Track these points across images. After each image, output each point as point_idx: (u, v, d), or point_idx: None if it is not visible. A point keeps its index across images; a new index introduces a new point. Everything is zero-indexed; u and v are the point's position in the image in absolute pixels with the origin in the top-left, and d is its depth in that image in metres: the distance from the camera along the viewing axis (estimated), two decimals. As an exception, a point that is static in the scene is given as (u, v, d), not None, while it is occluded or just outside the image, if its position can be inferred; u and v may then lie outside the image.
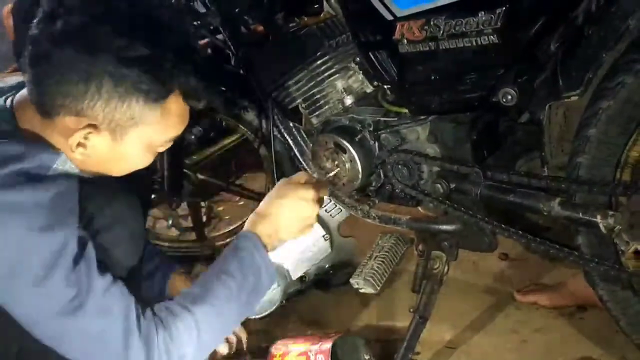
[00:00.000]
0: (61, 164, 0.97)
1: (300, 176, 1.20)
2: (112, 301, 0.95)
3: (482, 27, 1.10)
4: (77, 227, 0.94)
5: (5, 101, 1.01)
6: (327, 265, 1.54)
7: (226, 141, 1.99)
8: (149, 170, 1.19)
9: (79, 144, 0.97)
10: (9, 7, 4.01)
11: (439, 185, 1.34)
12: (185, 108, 1.02)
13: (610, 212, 1.12)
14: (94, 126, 0.95)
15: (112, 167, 1.03)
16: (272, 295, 1.41)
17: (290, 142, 1.59)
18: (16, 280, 0.89)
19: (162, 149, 1.06)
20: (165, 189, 1.86)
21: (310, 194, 1.15)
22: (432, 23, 1.15)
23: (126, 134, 0.98)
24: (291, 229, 1.14)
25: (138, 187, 1.15)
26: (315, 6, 1.57)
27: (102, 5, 0.93)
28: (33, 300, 0.91)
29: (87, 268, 0.94)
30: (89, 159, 0.99)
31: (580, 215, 1.15)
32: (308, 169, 1.53)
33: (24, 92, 1.00)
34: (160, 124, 0.99)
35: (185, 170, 1.93)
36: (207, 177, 1.99)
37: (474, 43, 1.12)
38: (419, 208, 1.44)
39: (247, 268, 1.07)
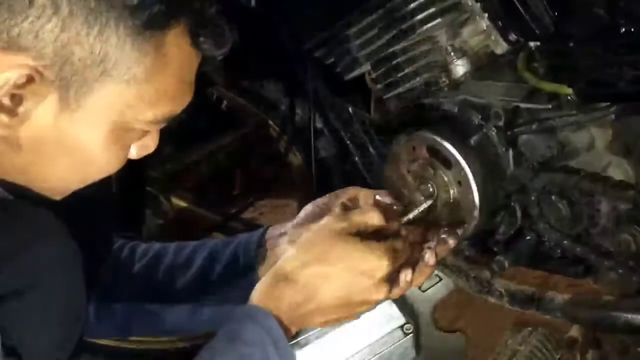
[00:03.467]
0: None
1: (367, 212, 1.22)
2: None
3: None
4: None
5: None
6: None
7: (226, 139, 2.04)
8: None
9: (2, 108, 0.98)
10: None
11: (631, 238, 1.33)
12: (192, 61, 1.05)
13: None
14: (36, 71, 0.96)
15: (46, 171, 1.06)
16: None
17: (347, 141, 1.63)
18: None
19: (137, 151, 1.10)
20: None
21: (383, 264, 1.16)
22: None
23: (88, 94, 0.99)
24: (331, 312, 1.18)
25: (83, 219, 1.17)
26: None
27: None
28: None
29: None
30: (9, 148, 1.01)
31: None
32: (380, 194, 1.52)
33: None
34: (147, 80, 1.01)
35: (149, 189, 1.97)
36: (188, 203, 2.02)
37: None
38: (591, 281, 1.44)
39: None
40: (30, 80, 0.96)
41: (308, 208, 1.35)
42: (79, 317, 1.14)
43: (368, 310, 1.20)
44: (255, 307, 1.16)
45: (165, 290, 1.41)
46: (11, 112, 0.97)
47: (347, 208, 1.30)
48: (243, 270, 1.37)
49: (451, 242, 1.31)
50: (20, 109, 0.97)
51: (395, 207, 1.33)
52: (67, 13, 0.94)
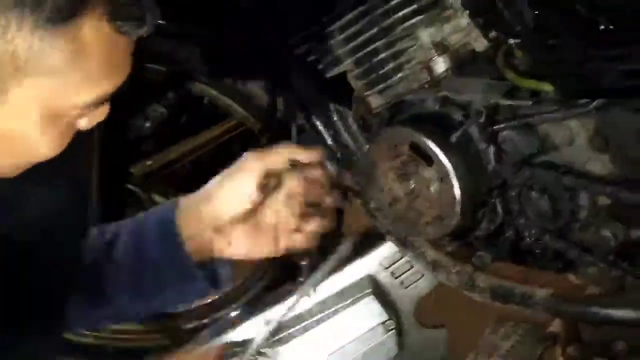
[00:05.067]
0: None
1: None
2: None
3: None
4: None
5: None
6: None
7: (209, 135, 2.05)
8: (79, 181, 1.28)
9: None
10: None
11: (609, 234, 1.36)
12: (116, 39, 1.03)
13: None
14: None
15: None
16: None
17: (328, 139, 1.63)
18: None
19: (85, 123, 1.09)
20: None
21: None
22: None
23: (7, 91, 0.99)
24: None
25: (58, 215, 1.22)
26: None
27: None
28: None
29: None
30: None
31: None
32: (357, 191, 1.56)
33: None
34: (67, 69, 1.00)
35: (130, 187, 1.97)
36: (169, 199, 1.98)
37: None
38: (570, 276, 1.45)
39: None
40: None
41: (230, 169, 1.37)
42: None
43: None
44: None
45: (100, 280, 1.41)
46: None
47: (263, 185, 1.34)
48: (171, 248, 1.37)
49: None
50: None
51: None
52: None
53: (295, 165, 1.32)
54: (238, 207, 1.33)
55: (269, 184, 1.33)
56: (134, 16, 1.02)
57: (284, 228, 1.33)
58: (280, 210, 1.33)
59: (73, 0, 0.97)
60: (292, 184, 1.32)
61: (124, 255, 1.41)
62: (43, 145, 1.06)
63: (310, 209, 1.33)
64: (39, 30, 0.96)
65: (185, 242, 1.36)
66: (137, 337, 2.30)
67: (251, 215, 1.33)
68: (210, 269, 1.37)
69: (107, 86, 1.05)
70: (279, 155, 1.33)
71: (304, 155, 1.33)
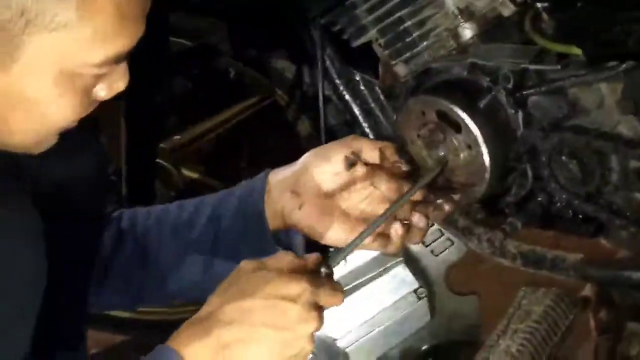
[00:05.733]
0: None
1: (283, 258, 1.18)
2: None
3: None
4: None
5: None
6: (424, 347, 1.56)
7: (235, 109, 2.05)
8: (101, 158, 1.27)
9: None
10: None
11: (639, 197, 1.36)
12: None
13: None
14: None
15: (7, 126, 1.06)
16: None
17: (355, 109, 1.63)
18: None
19: (104, 92, 1.09)
20: (123, 193, 1.92)
21: (302, 285, 1.12)
22: None
23: (19, 48, 0.99)
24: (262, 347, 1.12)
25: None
26: None
27: None
28: None
29: None
30: None
31: None
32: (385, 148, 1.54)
33: None
34: (78, 19, 0.99)
35: (159, 161, 1.98)
36: (199, 174, 2.04)
37: None
38: (602, 240, 1.45)
39: None
40: None
41: (308, 155, 1.35)
42: (38, 281, 1.12)
43: (303, 354, 1.14)
44: (170, 350, 1.11)
45: (171, 254, 1.40)
46: None
47: (351, 162, 1.30)
48: (251, 221, 1.36)
49: (447, 207, 1.32)
50: None
51: (400, 165, 1.32)
52: None
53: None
54: (326, 184, 1.31)
55: (356, 171, 1.30)
56: None
57: (358, 217, 1.30)
58: (359, 201, 1.31)
59: None
60: (380, 180, 1.29)
61: (202, 232, 1.39)
62: (60, 110, 1.06)
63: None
64: None
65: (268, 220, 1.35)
66: (164, 311, 2.32)
67: (333, 195, 1.31)
68: (284, 241, 1.35)
69: (119, 44, 1.04)
70: (361, 142, 1.31)
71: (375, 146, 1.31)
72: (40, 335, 1.15)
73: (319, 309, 1.11)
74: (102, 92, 1.08)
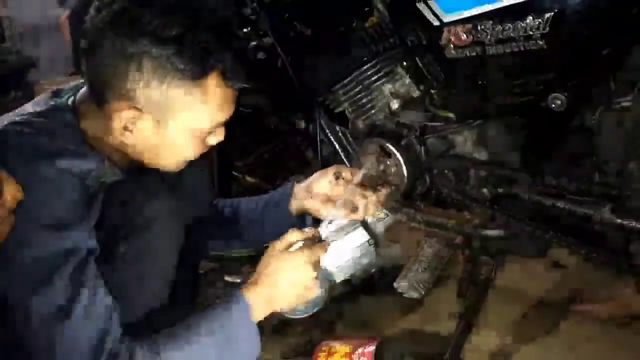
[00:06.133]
0: (102, 173, 1.01)
1: (291, 236, 1.14)
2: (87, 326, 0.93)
3: (530, 32, 1.09)
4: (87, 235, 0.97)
5: (67, 100, 1.06)
6: (372, 270, 1.55)
7: (273, 144, 2.01)
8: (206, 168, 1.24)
9: (125, 128, 0.99)
10: (65, 14, 4.29)
11: (486, 190, 1.35)
12: (228, 90, 1.01)
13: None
14: (137, 109, 0.97)
15: (160, 154, 1.04)
16: (316, 296, 1.41)
17: (337, 145, 1.61)
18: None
19: (213, 141, 1.07)
20: (215, 190, 1.88)
21: (303, 259, 1.09)
22: (478, 28, 1.15)
23: (170, 118, 0.99)
24: (289, 299, 1.10)
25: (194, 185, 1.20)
26: (366, 9, 1.55)
27: None
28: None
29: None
30: (137, 144, 1.02)
31: (633, 223, 1.14)
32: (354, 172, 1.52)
33: (84, 89, 1.06)
34: (202, 106, 0.99)
35: (234, 173, 1.96)
36: (257, 180, 2.01)
37: (522, 48, 1.11)
38: (466, 213, 1.45)
39: (229, 339, 1.03)
40: (136, 112, 0.98)
41: (315, 175, 1.30)
42: (176, 249, 1.11)
43: (311, 289, 1.11)
44: (239, 297, 1.06)
45: (246, 222, 1.36)
46: (131, 130, 1.00)
47: (337, 176, 1.27)
48: (284, 208, 1.32)
49: (385, 192, 1.30)
50: (135, 128, 0.99)
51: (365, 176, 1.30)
52: (147, 77, 0.95)
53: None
54: (323, 188, 1.28)
55: (339, 182, 1.27)
56: (238, 73, 1.01)
57: (339, 204, 1.25)
58: (341, 196, 1.26)
59: (202, 68, 0.97)
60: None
61: (260, 213, 1.35)
62: (188, 151, 1.05)
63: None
64: (187, 84, 0.97)
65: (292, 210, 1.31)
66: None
67: (326, 193, 1.28)
68: (299, 221, 1.32)
69: (223, 115, 1.04)
70: (342, 167, 1.30)
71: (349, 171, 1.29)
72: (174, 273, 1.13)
73: (315, 263, 1.10)
74: (212, 140, 1.08)
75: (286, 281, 1.08)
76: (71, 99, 1.06)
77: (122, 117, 0.98)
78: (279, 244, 1.12)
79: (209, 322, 1.02)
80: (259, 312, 1.06)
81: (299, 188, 1.31)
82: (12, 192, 0.85)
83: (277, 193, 1.37)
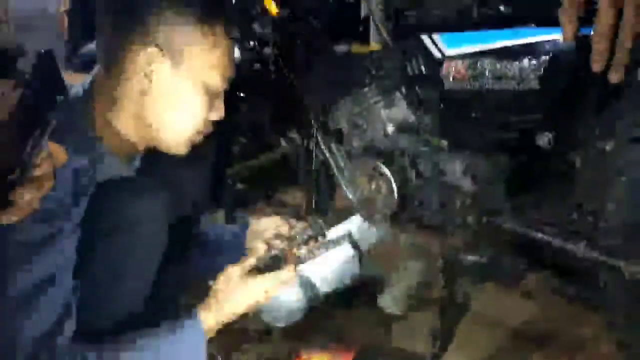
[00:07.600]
0: (106, 168, 1.02)
1: (255, 248, 1.15)
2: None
3: (525, 73, 1.15)
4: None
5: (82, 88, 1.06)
6: (353, 284, 1.44)
7: (267, 155, 2.02)
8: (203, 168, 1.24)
9: (145, 75, 1.01)
10: (62, 10, 4.22)
11: (470, 218, 1.37)
12: (229, 43, 1.05)
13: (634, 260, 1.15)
14: (159, 48, 1.00)
15: (169, 121, 1.04)
16: (297, 305, 1.37)
17: (331, 161, 1.64)
18: None
19: (214, 116, 1.07)
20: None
21: (256, 287, 1.10)
22: (478, 64, 1.21)
23: (183, 59, 1.01)
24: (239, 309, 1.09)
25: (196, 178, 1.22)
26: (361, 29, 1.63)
27: None
28: None
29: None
30: (150, 104, 1.02)
31: (605, 259, 1.18)
32: (345, 189, 1.58)
33: (94, 70, 1.07)
34: (211, 52, 1.02)
35: (228, 181, 1.95)
36: (248, 189, 2.02)
37: (517, 87, 1.18)
38: (449, 237, 1.46)
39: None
40: (157, 50, 1.00)
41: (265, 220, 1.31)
42: (160, 250, 1.09)
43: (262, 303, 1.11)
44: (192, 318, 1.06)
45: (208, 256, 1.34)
46: (150, 78, 1.01)
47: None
48: (240, 239, 1.33)
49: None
50: (154, 73, 1.01)
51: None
52: (166, 17, 0.99)
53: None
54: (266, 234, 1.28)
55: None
56: (233, 27, 1.05)
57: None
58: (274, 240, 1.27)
59: (214, 13, 1.01)
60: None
61: (211, 241, 1.35)
62: (197, 104, 1.04)
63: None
64: (200, 26, 1.01)
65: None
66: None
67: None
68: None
69: (226, 70, 1.05)
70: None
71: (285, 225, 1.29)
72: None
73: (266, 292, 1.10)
74: (212, 115, 1.07)
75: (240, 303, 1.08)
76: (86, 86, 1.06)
77: (140, 60, 1.00)
78: (237, 270, 1.10)
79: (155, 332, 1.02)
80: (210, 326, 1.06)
81: (252, 228, 1.32)
82: (59, 153, 0.84)
83: (237, 227, 1.36)
